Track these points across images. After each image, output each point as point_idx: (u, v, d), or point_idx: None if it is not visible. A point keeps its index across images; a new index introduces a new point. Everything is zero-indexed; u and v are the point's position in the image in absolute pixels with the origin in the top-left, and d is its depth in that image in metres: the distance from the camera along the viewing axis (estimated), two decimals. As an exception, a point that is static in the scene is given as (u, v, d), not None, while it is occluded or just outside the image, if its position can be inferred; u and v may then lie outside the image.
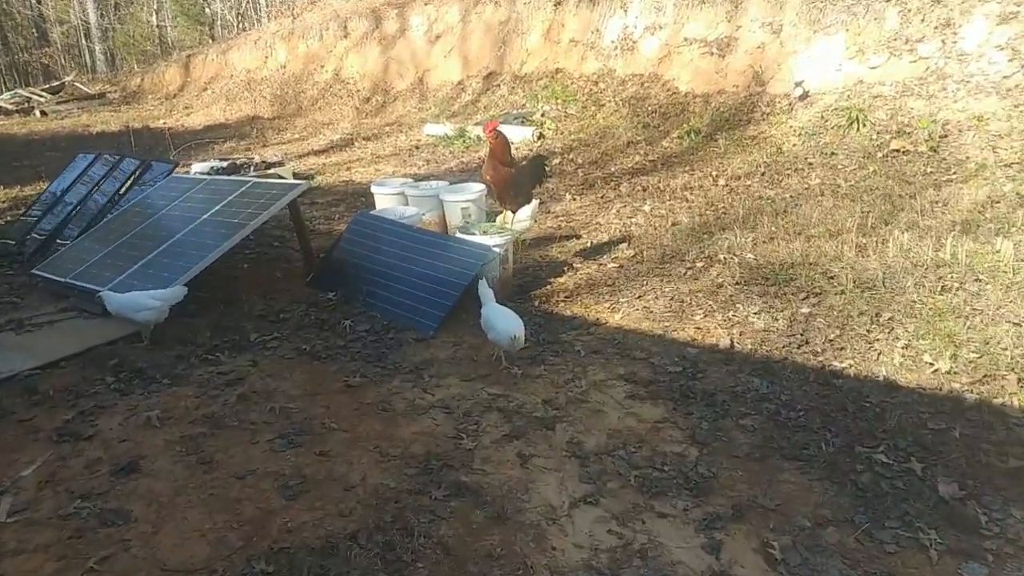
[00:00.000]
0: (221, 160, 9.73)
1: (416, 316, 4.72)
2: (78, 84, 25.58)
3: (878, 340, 4.10)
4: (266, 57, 19.92)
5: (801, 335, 4.22)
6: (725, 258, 5.43)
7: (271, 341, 4.56)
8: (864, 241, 5.42)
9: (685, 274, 5.25)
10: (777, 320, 4.42)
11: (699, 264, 5.39)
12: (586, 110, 11.07)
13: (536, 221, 6.47)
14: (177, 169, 10.62)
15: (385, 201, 6.87)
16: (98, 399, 3.92)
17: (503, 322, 3.91)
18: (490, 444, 3.36)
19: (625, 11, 11.66)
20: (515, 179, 5.00)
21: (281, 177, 9.37)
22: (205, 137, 14.85)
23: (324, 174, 10.16)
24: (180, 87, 22.56)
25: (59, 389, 4.04)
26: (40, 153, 14.11)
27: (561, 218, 7.02)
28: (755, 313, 4.53)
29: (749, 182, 7.33)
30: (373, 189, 6.91)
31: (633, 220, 6.66)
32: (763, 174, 7.47)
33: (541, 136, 10.62)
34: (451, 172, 9.63)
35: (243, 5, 25.01)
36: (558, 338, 4.43)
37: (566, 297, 5.02)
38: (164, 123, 18.27)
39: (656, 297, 4.92)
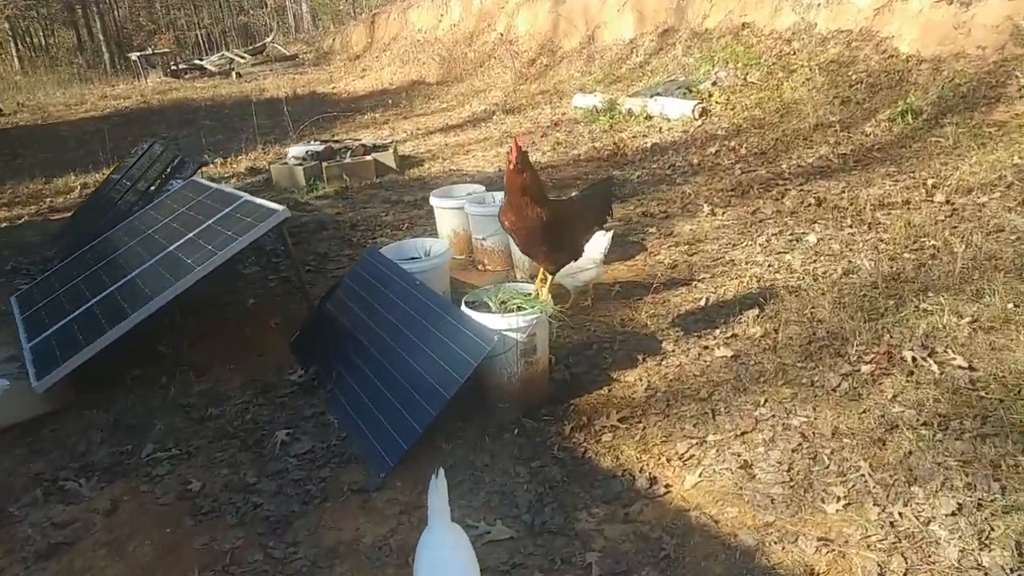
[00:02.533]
0: (320, 143, 8.56)
1: (374, 439, 3.08)
2: (276, 45, 26.22)
3: None
4: (441, 15, 18.82)
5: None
6: (915, 359, 3.22)
7: (165, 462, 3.13)
8: None
9: (837, 388, 3.13)
10: (1004, 549, 2.25)
11: (865, 367, 3.22)
12: (771, 77, 8.64)
13: (606, 266, 4.55)
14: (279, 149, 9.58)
15: (445, 218, 5.24)
16: None
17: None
18: None
19: (832, -55, 8.95)
20: (554, 224, 3.13)
21: (380, 164, 8.02)
22: (359, 105, 14.00)
23: (437, 159, 8.68)
24: (364, 48, 22.18)
25: None
26: (199, 121, 13.99)
27: (683, 246, 4.98)
28: (947, 516, 2.38)
29: (984, 199, 4.83)
30: (432, 201, 5.28)
31: (785, 260, 4.49)
32: (1009, 186, 4.92)
33: (704, 112, 8.39)
34: (577, 162, 7.75)
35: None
36: (568, 522, 2.58)
37: (622, 419, 3.11)
38: (333, 87, 17.83)
39: (771, 438, 2.88)
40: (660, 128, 8.39)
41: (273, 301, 4.84)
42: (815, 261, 4.41)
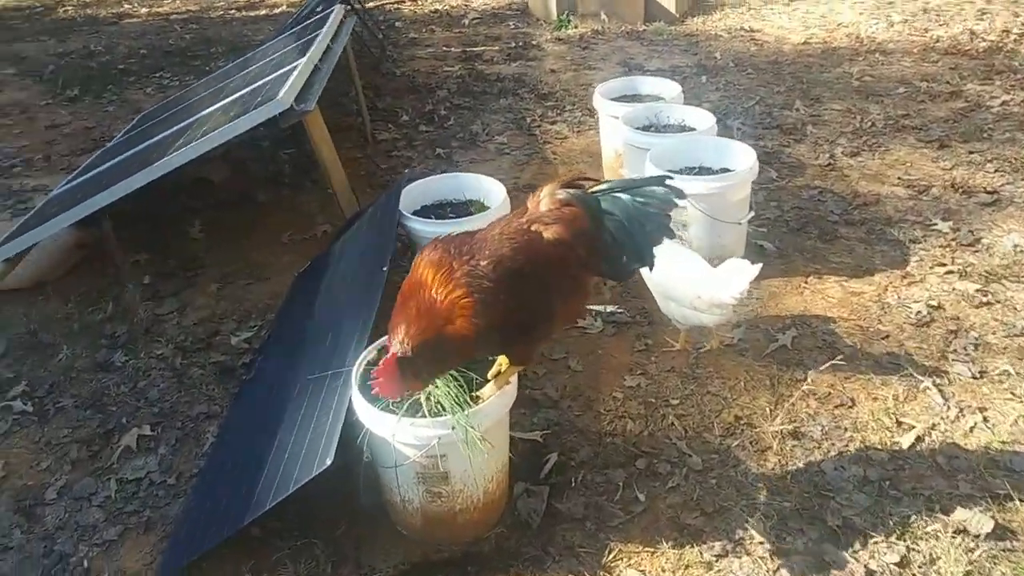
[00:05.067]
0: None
1: (188, 518, 1.98)
2: None
3: None
4: None
5: None
6: None
7: (11, 419, 2.36)
8: None
9: None
10: None
11: None
12: None
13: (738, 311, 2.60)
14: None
15: (608, 129, 3.55)
16: None
17: None
18: None
19: None
20: (509, 287, 1.54)
21: (653, 4, 6.10)
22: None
23: (742, 6, 6.42)
24: None
25: None
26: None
27: (975, 278, 2.75)
28: None
29: None
30: (595, 101, 3.57)
31: None
32: None
33: None
34: (926, 51, 5.10)
35: None
36: None
37: None
38: None
39: None
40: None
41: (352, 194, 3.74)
42: None
